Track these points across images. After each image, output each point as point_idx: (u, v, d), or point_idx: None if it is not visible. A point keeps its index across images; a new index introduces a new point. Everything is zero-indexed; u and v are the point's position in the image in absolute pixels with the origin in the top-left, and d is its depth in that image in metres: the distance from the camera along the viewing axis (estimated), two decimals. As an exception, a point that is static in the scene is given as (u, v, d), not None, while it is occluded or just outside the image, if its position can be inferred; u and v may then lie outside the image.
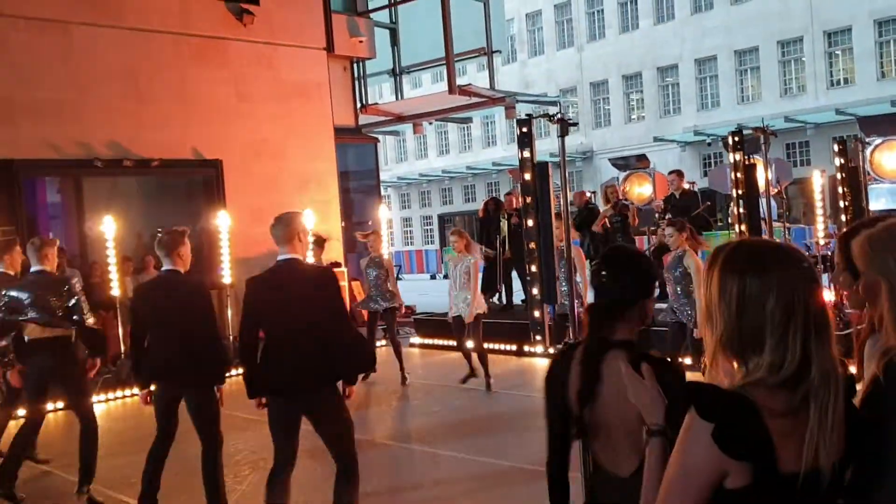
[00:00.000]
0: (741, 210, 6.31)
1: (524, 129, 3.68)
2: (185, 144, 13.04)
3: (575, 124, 3.45)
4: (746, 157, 6.25)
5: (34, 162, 11.52)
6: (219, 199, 13.07)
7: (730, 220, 13.36)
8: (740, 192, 6.31)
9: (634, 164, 11.63)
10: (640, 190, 11.69)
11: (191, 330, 4.90)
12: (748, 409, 1.53)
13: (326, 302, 4.31)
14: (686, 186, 10.50)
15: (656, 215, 10.22)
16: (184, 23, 13.05)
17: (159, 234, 5.17)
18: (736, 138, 6.09)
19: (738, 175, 5.97)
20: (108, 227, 10.96)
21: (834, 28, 29.16)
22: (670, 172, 10.49)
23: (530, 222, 3.67)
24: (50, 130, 11.57)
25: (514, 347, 10.77)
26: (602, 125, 35.73)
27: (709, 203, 10.78)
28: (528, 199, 3.72)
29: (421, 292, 14.70)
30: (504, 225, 12.07)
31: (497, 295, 12.81)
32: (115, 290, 10.83)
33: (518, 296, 12.59)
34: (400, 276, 16.13)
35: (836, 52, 29.57)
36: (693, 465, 1.54)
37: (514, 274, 12.52)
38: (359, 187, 16.84)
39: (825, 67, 29.51)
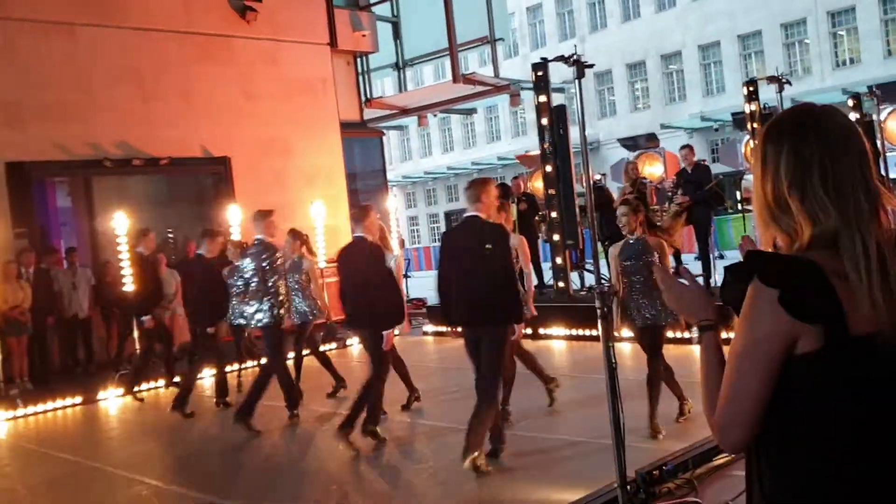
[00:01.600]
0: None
1: (539, 73, 3.66)
2: (194, 142, 13.06)
3: (591, 66, 3.42)
4: (763, 108, 6.20)
5: (44, 164, 11.55)
6: (228, 196, 13.07)
7: (740, 197, 13.32)
8: (757, 142, 6.18)
9: (644, 143, 11.59)
10: (651, 169, 11.64)
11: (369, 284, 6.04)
12: (813, 270, 1.49)
13: (490, 253, 5.19)
14: (696, 161, 10.45)
15: (668, 193, 10.18)
16: (188, 21, 13.07)
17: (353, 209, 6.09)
18: (751, 88, 6.04)
19: (755, 126, 5.91)
20: (119, 226, 10.96)
21: (838, 8, 28.99)
22: (681, 148, 10.40)
23: (549, 168, 3.64)
24: (59, 132, 11.60)
25: (528, 331, 10.78)
26: (608, 115, 35.63)
27: (721, 177, 10.73)
28: (546, 145, 3.68)
29: (430, 288, 14.74)
30: (514, 209, 12.02)
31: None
32: (129, 288, 10.81)
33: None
34: (408, 272, 16.02)
35: (841, 32, 29.40)
36: (762, 335, 1.50)
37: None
38: (365, 180, 16.82)
39: (830, 48, 29.34)
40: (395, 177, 39.91)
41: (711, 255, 10.72)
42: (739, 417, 1.52)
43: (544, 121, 3.67)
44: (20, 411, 8.77)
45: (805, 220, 1.54)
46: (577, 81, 3.53)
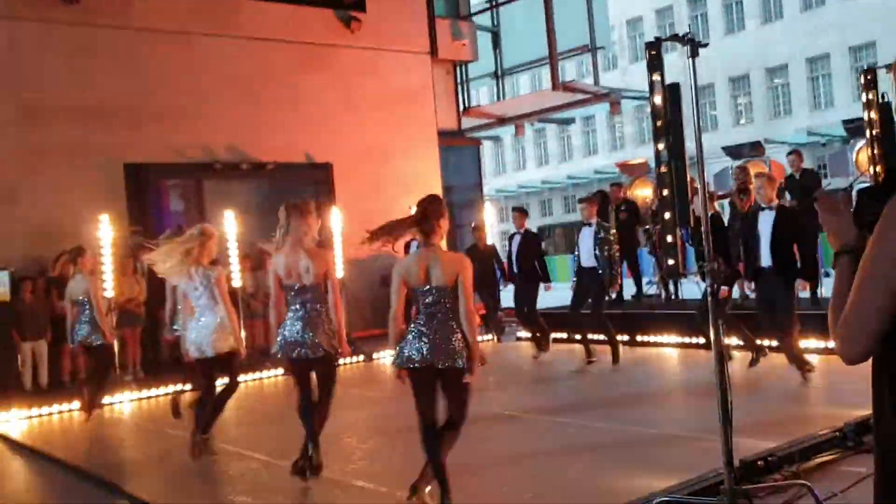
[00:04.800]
0: (875, 152, 6.01)
1: (653, 52, 3.70)
2: (298, 148, 13.50)
3: (705, 45, 3.43)
4: (882, 97, 6.01)
5: (159, 165, 12.17)
6: (330, 202, 13.42)
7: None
8: (875, 132, 6.01)
9: (748, 152, 11.31)
10: (755, 178, 11.34)
11: None
12: None
13: None
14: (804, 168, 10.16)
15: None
16: (295, 31, 13.56)
17: None
18: (869, 76, 5.86)
19: (872, 115, 5.71)
20: (229, 226, 11.41)
21: (958, 18, 27.62)
22: (789, 153, 10.17)
23: (661, 146, 3.67)
24: (173, 136, 12.20)
25: (626, 338, 10.70)
26: (709, 129, 34.84)
27: (830, 183, 10.37)
28: (659, 123, 3.71)
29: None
30: (612, 217, 11.95)
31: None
32: (237, 283, 11.25)
33: (628, 290, 12.41)
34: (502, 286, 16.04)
35: (961, 43, 27.97)
36: None
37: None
38: (461, 193, 16.95)
39: (949, 60, 27.96)
40: (489, 191, 40.02)
41: (820, 266, 10.36)
42: (864, 331, 1.54)
43: (657, 99, 3.68)
44: (135, 395, 9.26)
45: None
46: (690, 60, 3.54)
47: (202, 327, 5.93)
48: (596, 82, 15.99)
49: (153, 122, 12.06)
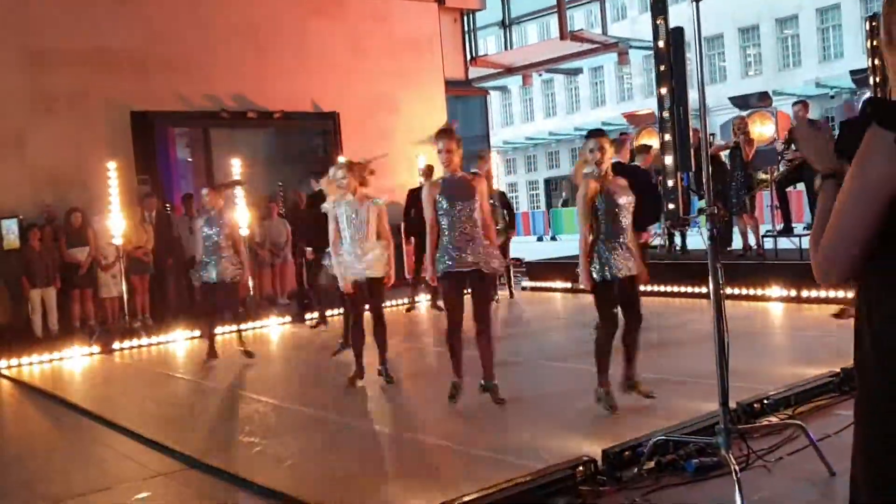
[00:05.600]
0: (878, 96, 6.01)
1: (657, -5, 3.73)
2: (305, 97, 13.44)
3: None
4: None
5: (166, 114, 12.15)
6: (337, 151, 13.42)
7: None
8: (877, 79, 5.99)
9: (755, 102, 11.23)
10: (762, 129, 11.28)
11: None
12: None
13: None
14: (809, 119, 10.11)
15: (782, 145, 9.92)
16: (302, -23, 13.40)
17: None
18: (874, 23, 5.81)
19: (876, 62, 5.68)
20: (237, 174, 11.44)
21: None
22: (794, 103, 10.12)
23: (664, 90, 3.69)
24: (179, 83, 12.14)
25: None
26: (717, 81, 34.50)
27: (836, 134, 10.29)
28: (662, 67, 3.73)
29: (529, 252, 15.14)
30: (619, 166, 11.93)
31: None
32: (244, 232, 11.30)
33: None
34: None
35: (977, -7, 27.51)
36: (874, 177, 1.54)
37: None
38: (468, 145, 16.85)
39: (964, 10, 27.51)
40: (496, 142, 39.81)
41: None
42: (840, 255, 1.59)
43: (661, 44, 3.71)
44: (144, 341, 9.42)
45: None
46: (694, 4, 3.54)
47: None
48: (604, 32, 15.83)
49: (160, 69, 12.00)
